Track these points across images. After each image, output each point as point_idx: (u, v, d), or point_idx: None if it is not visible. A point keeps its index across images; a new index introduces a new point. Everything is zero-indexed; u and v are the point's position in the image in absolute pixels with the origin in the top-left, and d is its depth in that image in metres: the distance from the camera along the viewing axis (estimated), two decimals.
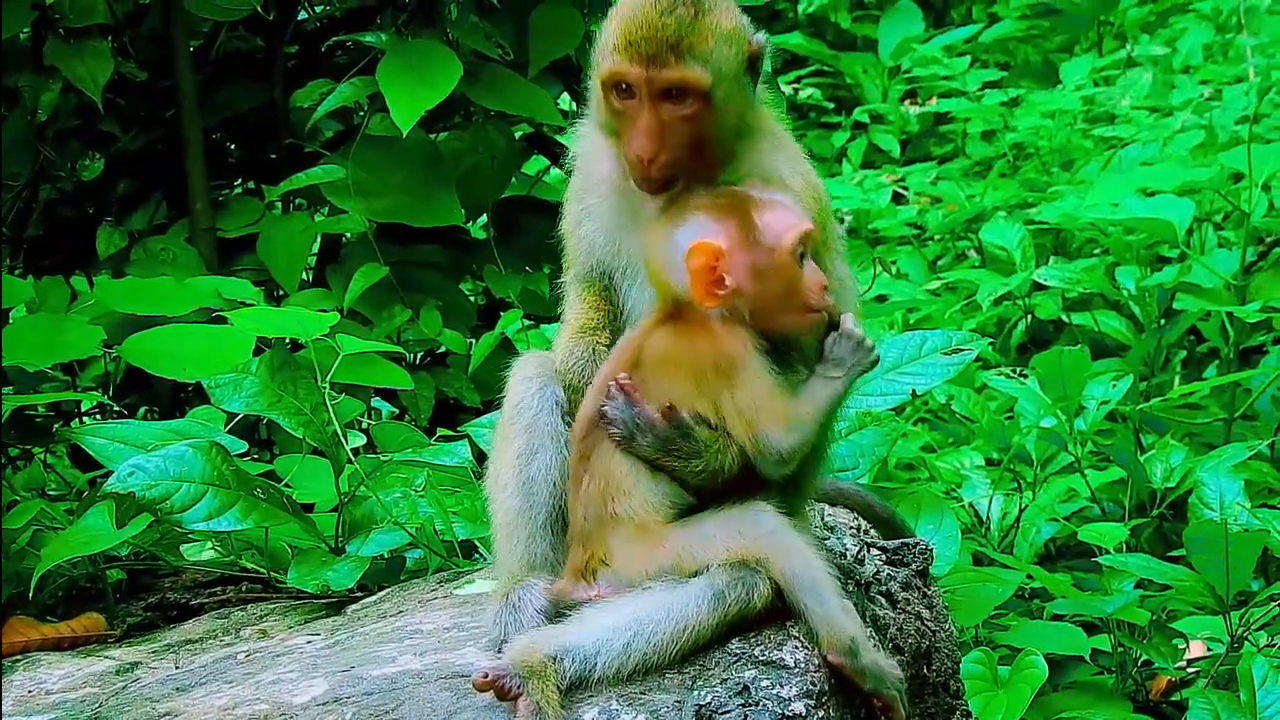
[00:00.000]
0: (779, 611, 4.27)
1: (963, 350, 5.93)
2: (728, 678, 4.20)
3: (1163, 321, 8.53)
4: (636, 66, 4.37)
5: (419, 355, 7.51)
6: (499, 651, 4.29)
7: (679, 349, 4.32)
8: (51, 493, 6.64)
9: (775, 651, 4.26)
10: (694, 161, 4.41)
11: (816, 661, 4.25)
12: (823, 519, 5.17)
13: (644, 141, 4.37)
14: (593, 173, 4.62)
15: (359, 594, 5.49)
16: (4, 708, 4.72)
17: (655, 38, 4.36)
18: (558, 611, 4.31)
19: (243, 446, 5.91)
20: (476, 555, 5.75)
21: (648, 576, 4.23)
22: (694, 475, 4.28)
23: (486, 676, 4.10)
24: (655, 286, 4.42)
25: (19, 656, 5.27)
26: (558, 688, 4.09)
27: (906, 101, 14.73)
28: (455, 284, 7.65)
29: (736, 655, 4.24)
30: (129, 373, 7.01)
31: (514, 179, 7.77)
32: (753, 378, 4.27)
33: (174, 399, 7.22)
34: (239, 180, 7.88)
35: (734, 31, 4.42)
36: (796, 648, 4.26)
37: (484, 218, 7.61)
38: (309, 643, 4.91)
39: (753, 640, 4.26)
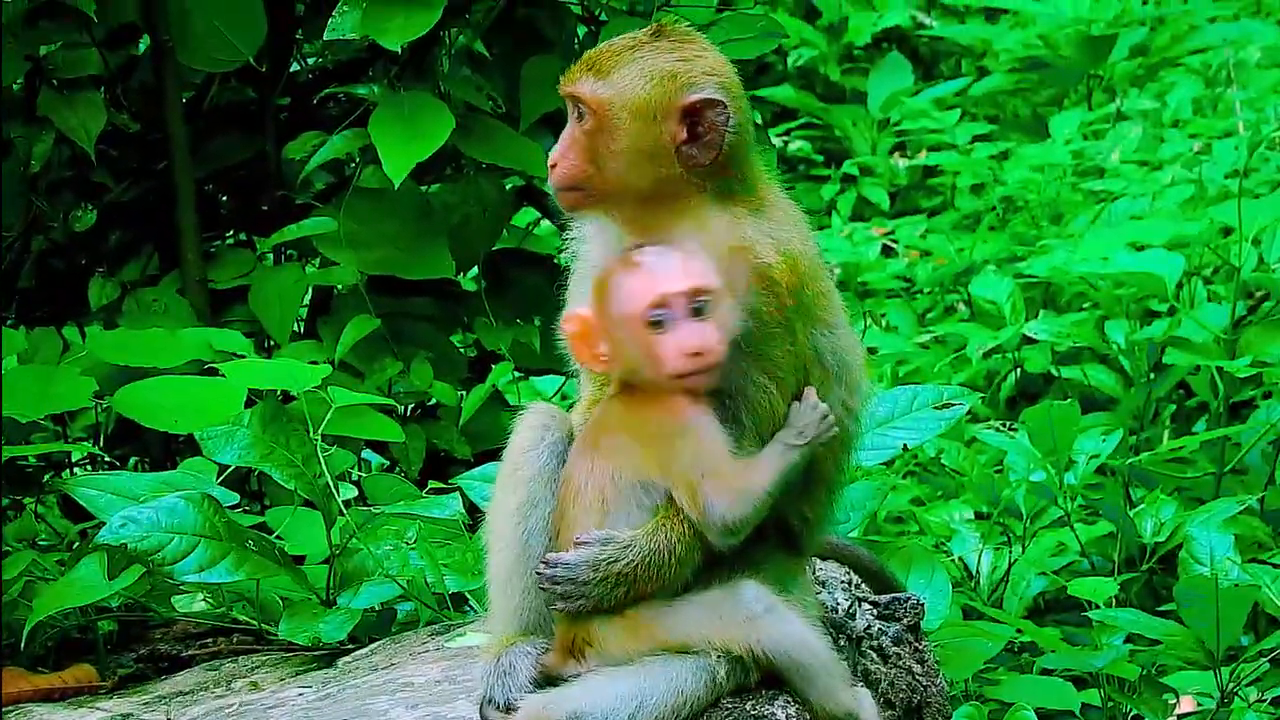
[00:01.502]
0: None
1: (954, 405, 5.94)
2: None
3: (1152, 375, 8.54)
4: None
5: (410, 407, 7.50)
6: (491, 707, 4.30)
7: (629, 416, 4.27)
8: (42, 543, 6.63)
9: (767, 706, 4.26)
10: (595, 186, 4.36)
11: (809, 716, 4.25)
12: (814, 573, 5.17)
13: (555, 148, 4.40)
14: (586, 258, 4.57)
15: (350, 646, 5.49)
16: None
17: (588, 56, 4.39)
18: (547, 680, 4.28)
19: (234, 498, 5.90)
20: (468, 607, 5.75)
21: (635, 658, 4.22)
22: (648, 579, 4.23)
23: None
24: None
25: (10, 708, 5.26)
26: None
27: (896, 154, 14.76)
28: (446, 336, 7.65)
29: (728, 710, 4.24)
30: (120, 423, 7.00)
31: (505, 231, 7.78)
32: (699, 443, 4.20)
33: (165, 450, 7.21)
34: (231, 232, 7.87)
35: (668, 73, 4.32)
36: (788, 703, 4.26)
37: (475, 269, 7.62)
38: (300, 695, 4.90)
39: (744, 696, 4.26)
